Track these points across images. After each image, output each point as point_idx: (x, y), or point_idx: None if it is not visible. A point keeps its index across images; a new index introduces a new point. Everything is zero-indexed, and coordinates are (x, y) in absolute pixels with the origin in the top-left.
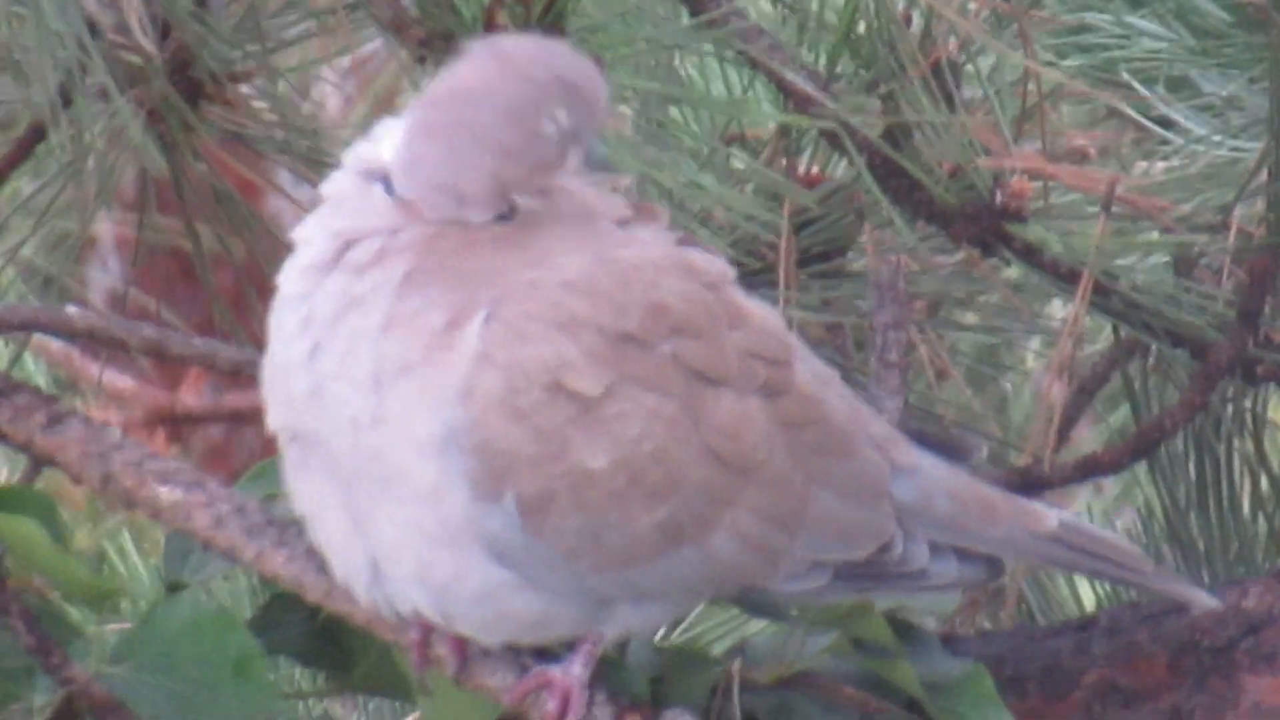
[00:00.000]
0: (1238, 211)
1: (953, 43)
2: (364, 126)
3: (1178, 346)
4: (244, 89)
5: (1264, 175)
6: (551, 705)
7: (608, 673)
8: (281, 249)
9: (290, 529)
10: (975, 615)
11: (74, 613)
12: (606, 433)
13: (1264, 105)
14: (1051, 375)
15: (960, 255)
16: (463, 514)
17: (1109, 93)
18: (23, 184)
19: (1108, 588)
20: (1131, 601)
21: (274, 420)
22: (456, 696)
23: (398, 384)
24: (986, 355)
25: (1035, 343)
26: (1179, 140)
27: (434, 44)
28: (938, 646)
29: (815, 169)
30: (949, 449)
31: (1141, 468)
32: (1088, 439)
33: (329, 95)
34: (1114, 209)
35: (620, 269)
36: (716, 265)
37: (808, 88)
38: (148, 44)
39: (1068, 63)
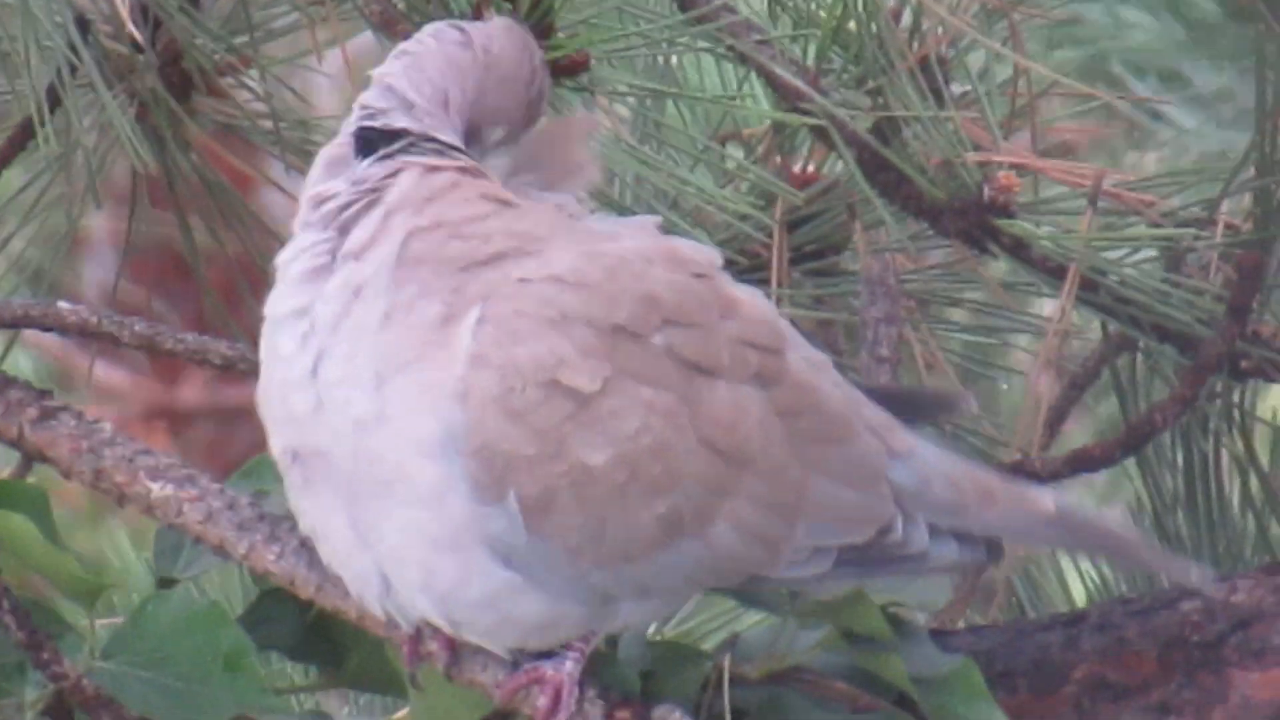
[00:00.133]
0: (1226, 206)
1: (941, 34)
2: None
3: (1165, 342)
4: (234, 81)
5: (1251, 170)
6: (543, 701)
7: (599, 668)
8: (274, 242)
9: (282, 524)
10: (965, 610)
11: (65, 608)
12: (605, 428)
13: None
14: (1039, 369)
15: (951, 251)
16: (465, 516)
17: (1100, 89)
18: (15, 177)
19: (1097, 582)
20: (1121, 597)
21: (276, 444)
22: (448, 692)
23: (397, 381)
24: (977, 352)
25: (1025, 339)
26: (1170, 132)
27: None
28: (928, 641)
29: (810, 168)
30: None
31: (1131, 463)
32: (1078, 435)
33: (321, 86)
34: (1102, 204)
35: (608, 261)
36: (704, 254)
37: (797, 83)
38: (137, 36)
39: (1059, 54)
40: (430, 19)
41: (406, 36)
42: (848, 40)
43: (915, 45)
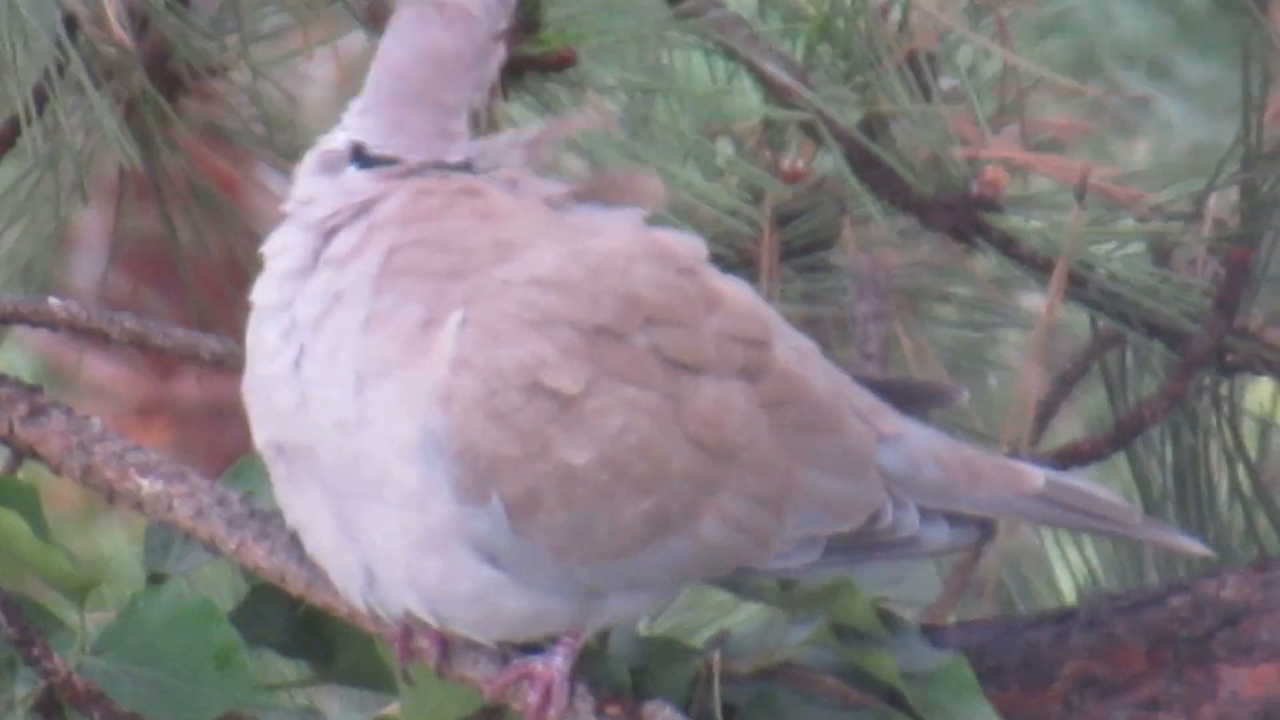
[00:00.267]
0: (1214, 200)
1: (931, 29)
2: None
3: (1154, 337)
4: (221, 82)
5: (1238, 164)
6: (533, 697)
7: (589, 664)
8: (260, 243)
9: (272, 520)
10: (955, 606)
11: (56, 604)
12: (588, 429)
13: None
14: (1028, 364)
15: (939, 246)
16: (449, 518)
17: (1088, 82)
18: (4, 174)
19: (1086, 577)
20: (1111, 593)
21: (260, 437)
22: (438, 688)
23: (380, 384)
24: (966, 348)
25: (1013, 334)
26: (1157, 124)
27: None
28: (918, 637)
29: (800, 163)
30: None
31: (1120, 457)
32: (1067, 429)
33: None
34: (1090, 198)
35: (590, 260)
36: (689, 246)
37: (786, 78)
38: (125, 37)
39: (1048, 43)
40: None
41: None
42: (836, 35)
43: (903, 40)
